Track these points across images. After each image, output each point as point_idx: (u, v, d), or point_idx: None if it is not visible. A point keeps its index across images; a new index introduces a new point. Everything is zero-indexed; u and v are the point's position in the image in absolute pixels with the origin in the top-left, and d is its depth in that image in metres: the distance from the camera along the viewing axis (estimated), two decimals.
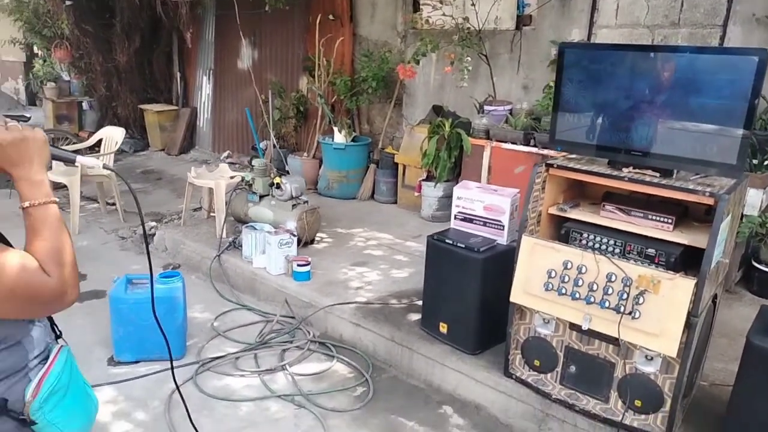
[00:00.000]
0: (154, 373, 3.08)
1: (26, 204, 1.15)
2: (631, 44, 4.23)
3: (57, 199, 1.19)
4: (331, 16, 6.30)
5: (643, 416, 2.44)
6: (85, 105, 8.39)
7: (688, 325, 2.21)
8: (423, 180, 5.41)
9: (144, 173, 7.27)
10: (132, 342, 3.13)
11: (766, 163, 3.74)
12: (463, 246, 2.96)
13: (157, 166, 7.60)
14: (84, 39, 6.88)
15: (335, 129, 6.06)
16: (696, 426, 2.51)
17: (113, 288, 3.15)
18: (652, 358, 2.38)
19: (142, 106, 8.11)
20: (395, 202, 5.86)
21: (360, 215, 5.46)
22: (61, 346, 1.30)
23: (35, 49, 7.72)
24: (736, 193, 2.30)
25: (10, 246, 1.17)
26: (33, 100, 12.39)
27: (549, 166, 2.60)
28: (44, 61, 8.01)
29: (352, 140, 6.08)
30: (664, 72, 2.29)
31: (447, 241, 3.03)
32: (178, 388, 1.76)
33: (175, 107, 8.27)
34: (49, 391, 1.20)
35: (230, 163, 7.10)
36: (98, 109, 8.29)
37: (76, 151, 1.32)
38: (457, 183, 5.39)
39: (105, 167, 1.39)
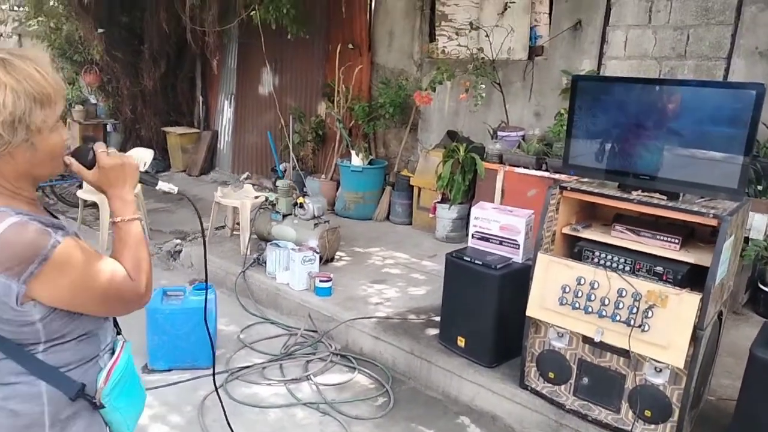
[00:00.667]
0: (186, 380, 3.26)
1: (117, 219, 1.33)
2: (640, 78, 4.42)
3: (141, 217, 1.38)
4: (350, 45, 6.58)
5: (652, 426, 2.57)
6: (109, 127, 8.71)
7: (695, 338, 2.37)
8: (438, 202, 5.59)
9: (166, 193, 7.47)
10: (165, 350, 3.31)
11: None
12: (480, 263, 3.13)
13: (179, 187, 7.83)
14: (113, 64, 7.22)
15: (353, 152, 6.29)
16: None
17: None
18: (660, 370, 2.53)
19: (165, 129, 8.40)
20: (410, 223, 6.05)
21: (376, 235, 5.65)
22: (124, 341, 1.48)
23: (64, 73, 8.11)
24: (738, 216, 2.46)
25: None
26: None
27: (563, 188, 2.78)
28: (72, 84, 8.37)
29: (369, 163, 6.30)
30: (669, 103, 2.49)
31: (465, 258, 3.20)
32: (216, 390, 1.93)
33: (197, 130, 8.56)
34: (117, 380, 1.36)
35: (250, 184, 7.34)
36: (122, 131, 8.60)
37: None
38: (470, 205, 5.59)
39: (180, 193, 1.59)
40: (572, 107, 2.78)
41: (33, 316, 1.17)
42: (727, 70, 4.44)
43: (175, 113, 8.43)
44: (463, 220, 5.54)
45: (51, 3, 8.14)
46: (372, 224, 6.09)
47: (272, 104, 7.62)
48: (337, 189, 6.47)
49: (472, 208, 3.39)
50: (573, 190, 2.76)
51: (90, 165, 1.32)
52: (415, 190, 5.95)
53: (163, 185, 1.54)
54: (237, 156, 8.30)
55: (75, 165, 1.31)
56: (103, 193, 1.36)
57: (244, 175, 8.05)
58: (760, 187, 3.93)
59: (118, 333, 1.52)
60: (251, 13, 6.00)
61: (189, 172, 8.45)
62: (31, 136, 1.16)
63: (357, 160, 6.24)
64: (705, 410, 2.81)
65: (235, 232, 5.35)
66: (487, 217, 3.30)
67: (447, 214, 5.50)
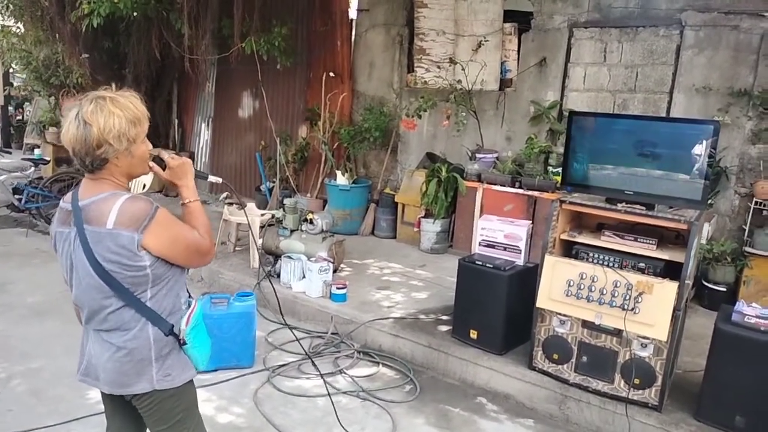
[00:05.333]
0: (234, 378, 3.63)
1: (187, 201, 1.89)
2: (624, 114, 5.19)
3: (200, 198, 1.92)
4: (332, 74, 7.11)
5: (641, 391, 3.20)
6: None
7: (674, 317, 3.02)
8: (422, 217, 6.16)
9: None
10: (213, 352, 3.62)
11: (710, 201, 4.73)
12: (491, 266, 3.70)
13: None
14: (95, 88, 7.35)
15: (338, 172, 6.78)
16: (679, 397, 3.29)
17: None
18: (646, 345, 3.17)
19: None
20: (394, 237, 6.59)
21: (367, 249, 6.14)
22: (196, 299, 1.99)
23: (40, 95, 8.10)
24: (701, 221, 3.17)
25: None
26: (8, 142, 12.50)
27: (562, 202, 3.41)
28: (50, 106, 8.38)
29: (353, 182, 6.80)
30: (647, 134, 3.17)
31: (477, 262, 3.77)
32: (311, 357, 2.37)
33: (173, 152, 8.78)
34: (194, 323, 1.89)
35: (228, 203, 7.64)
36: None
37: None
38: (452, 219, 6.20)
39: (223, 182, 2.18)
40: (568, 137, 3.43)
41: (145, 261, 1.71)
42: (669, 102, 5.30)
43: (151, 135, 8.57)
44: (446, 233, 6.14)
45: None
46: (359, 238, 6.58)
47: (252, 127, 8.00)
48: (324, 206, 6.92)
49: (480, 220, 3.97)
50: (571, 203, 3.39)
51: (163, 167, 1.90)
52: (399, 207, 6.51)
53: (212, 178, 2.16)
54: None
55: (156, 168, 1.87)
56: (174, 186, 1.93)
57: (223, 195, 8.33)
58: None
59: (189, 296, 2.03)
60: (243, 45, 6.41)
61: (165, 193, 8.60)
62: (129, 145, 1.71)
63: (343, 180, 6.73)
64: (676, 380, 3.48)
65: (237, 248, 5.71)
66: (492, 227, 3.89)
67: (431, 227, 6.08)
